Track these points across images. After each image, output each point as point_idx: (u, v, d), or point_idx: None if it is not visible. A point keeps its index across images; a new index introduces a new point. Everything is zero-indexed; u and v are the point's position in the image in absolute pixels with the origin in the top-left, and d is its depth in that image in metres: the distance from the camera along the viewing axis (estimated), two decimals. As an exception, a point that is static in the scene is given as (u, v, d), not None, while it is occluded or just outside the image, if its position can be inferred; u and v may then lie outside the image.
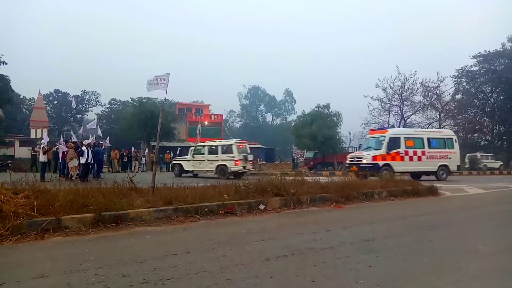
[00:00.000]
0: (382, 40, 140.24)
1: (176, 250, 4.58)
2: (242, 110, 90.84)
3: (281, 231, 5.94)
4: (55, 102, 71.30)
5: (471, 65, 46.20)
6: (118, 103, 69.00)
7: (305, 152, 41.06)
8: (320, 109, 36.06)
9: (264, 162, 41.52)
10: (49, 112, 64.55)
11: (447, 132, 21.34)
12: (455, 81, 46.31)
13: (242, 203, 7.76)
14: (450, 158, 19.14)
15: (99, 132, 23.31)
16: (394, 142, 18.23)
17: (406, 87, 41.69)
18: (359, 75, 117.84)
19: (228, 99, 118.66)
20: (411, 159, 18.37)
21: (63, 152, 17.10)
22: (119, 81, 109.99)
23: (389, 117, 43.59)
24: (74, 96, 67.19)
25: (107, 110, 69.86)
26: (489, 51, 44.66)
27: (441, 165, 18.83)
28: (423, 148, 18.70)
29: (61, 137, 22.71)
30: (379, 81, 42.52)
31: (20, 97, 62.85)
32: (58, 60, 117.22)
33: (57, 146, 19.15)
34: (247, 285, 3.37)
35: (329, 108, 35.83)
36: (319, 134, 32.04)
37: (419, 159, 18.53)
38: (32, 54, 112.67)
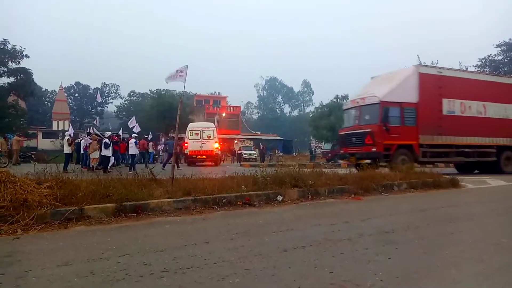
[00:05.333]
0: (403, 25, 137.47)
1: (195, 240, 4.63)
2: (259, 102, 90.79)
3: (299, 222, 5.94)
4: (76, 95, 72.66)
5: (495, 54, 45.05)
6: (137, 95, 69.78)
7: (323, 143, 40.86)
8: (338, 100, 35.81)
9: (281, 154, 41.48)
10: (70, 104, 65.81)
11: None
12: (478, 70, 45.20)
13: (260, 194, 7.78)
14: None
15: (136, 127, 24.63)
16: None
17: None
18: (379, 63, 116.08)
19: (245, 91, 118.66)
20: None
21: (86, 144, 17.74)
22: (138, 73, 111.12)
23: (409, 108, 42.88)
24: (95, 88, 68.28)
25: (126, 102, 70.77)
26: (513, 39, 43.35)
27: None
28: None
29: (91, 129, 23.61)
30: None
31: (42, 89, 64.26)
32: (78, 53, 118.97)
33: (81, 138, 19.84)
34: (265, 275, 3.39)
35: (348, 99, 35.49)
36: (337, 125, 31.78)
37: None
38: (53, 47, 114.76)
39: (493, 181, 13.40)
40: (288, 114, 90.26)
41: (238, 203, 7.36)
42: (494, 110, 17.59)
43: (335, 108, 34.39)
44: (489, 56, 45.15)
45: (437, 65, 17.65)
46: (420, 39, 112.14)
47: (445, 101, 16.44)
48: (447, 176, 11.34)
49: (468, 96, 16.97)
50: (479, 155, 17.16)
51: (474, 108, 17.13)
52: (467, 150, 16.78)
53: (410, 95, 15.78)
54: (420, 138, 15.76)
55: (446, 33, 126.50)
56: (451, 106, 16.58)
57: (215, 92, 73.74)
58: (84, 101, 72.56)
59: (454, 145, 16.63)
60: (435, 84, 16.27)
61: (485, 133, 17.25)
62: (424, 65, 17.01)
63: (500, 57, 44.81)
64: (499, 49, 44.53)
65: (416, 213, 7.10)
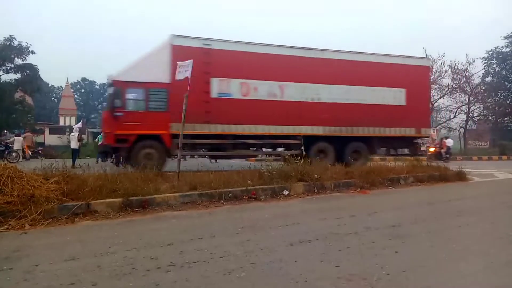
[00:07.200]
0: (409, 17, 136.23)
1: (201, 234, 4.65)
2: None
3: (305, 216, 5.93)
4: (83, 90, 72.83)
5: (502, 46, 44.30)
6: (143, 91, 69.77)
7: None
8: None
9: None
10: (77, 100, 66.05)
11: None
12: (485, 63, 44.61)
13: (266, 189, 7.77)
14: None
15: None
16: None
17: (433, 69, 40.53)
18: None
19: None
20: None
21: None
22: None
23: (415, 101, 42.47)
24: (101, 84, 68.31)
25: (132, 97, 70.80)
26: (522, 30, 42.67)
27: None
28: None
29: None
30: (405, 64, 41.37)
31: (49, 85, 64.44)
32: (84, 48, 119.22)
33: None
34: (271, 269, 3.39)
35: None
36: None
37: None
38: (59, 43, 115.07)
39: (501, 174, 13.31)
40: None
41: (244, 197, 7.37)
42: (299, 92, 13.59)
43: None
44: (496, 48, 44.47)
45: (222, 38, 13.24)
46: (425, 33, 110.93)
47: (215, 81, 12.76)
48: (454, 169, 11.26)
49: (255, 75, 13.18)
50: (275, 147, 13.79)
51: (264, 89, 13.22)
52: (250, 141, 13.21)
53: (161, 74, 12.28)
54: (172, 126, 12.13)
55: (453, 25, 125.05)
56: (225, 88, 12.87)
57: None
58: (90, 97, 72.77)
59: (231, 135, 12.92)
60: (199, 60, 12.00)
61: (282, 121, 13.39)
62: (183, 35, 12.83)
63: (507, 49, 44.10)
64: (506, 40, 43.82)
65: (423, 206, 7.07)
